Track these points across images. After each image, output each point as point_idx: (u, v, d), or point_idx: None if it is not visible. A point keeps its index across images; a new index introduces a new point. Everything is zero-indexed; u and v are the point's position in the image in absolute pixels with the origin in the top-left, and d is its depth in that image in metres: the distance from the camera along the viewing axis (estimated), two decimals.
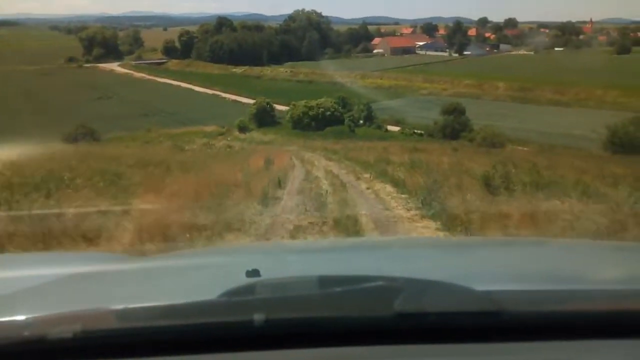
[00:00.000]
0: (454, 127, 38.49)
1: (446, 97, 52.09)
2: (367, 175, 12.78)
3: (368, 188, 10.28)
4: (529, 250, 1.80)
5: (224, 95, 54.97)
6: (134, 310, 1.02)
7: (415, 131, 40.24)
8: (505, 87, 59.60)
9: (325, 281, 1.06)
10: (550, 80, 59.45)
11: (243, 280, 1.12)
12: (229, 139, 39.33)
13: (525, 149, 36.36)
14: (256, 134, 41.03)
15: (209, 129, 42.39)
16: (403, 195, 8.75)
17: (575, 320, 1.01)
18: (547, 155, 28.89)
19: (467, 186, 8.98)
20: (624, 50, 77.24)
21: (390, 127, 42.06)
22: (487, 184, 8.06)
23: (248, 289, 1.04)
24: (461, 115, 39.60)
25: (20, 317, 1.01)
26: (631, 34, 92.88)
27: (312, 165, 17.06)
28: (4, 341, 0.96)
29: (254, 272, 1.16)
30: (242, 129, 41.78)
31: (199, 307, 1.01)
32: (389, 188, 9.91)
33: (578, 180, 10.07)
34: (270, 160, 14.00)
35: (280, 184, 9.88)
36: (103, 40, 73.70)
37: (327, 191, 9.41)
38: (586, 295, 1.08)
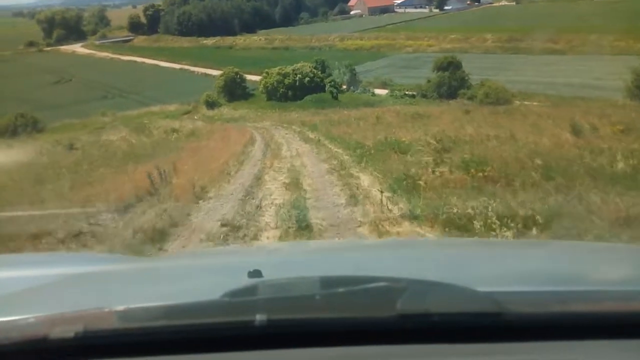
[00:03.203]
0: (450, 84, 31.46)
1: (433, 54, 45.13)
2: (366, 182, 5.74)
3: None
4: (531, 251, 1.69)
5: (192, 69, 47.23)
6: (136, 310, 0.96)
7: (406, 92, 33.19)
8: (494, 39, 52.74)
9: (327, 282, 0.99)
10: (539, 29, 52.43)
11: (245, 280, 1.05)
12: (196, 117, 32.31)
13: (535, 103, 29.76)
14: (226, 110, 33.72)
15: (173, 107, 35.11)
16: None
17: (578, 321, 0.95)
18: (572, 110, 22.17)
19: None
20: None
21: (377, 91, 34.83)
22: None
23: (250, 290, 0.98)
24: (457, 71, 32.35)
25: (22, 317, 0.96)
26: None
27: (274, 157, 9.97)
28: (5, 341, 0.91)
29: (256, 273, 1.09)
30: (210, 104, 34.36)
31: (201, 308, 0.96)
32: None
33: None
34: (154, 176, 6.64)
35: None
36: (63, 21, 64.19)
37: None
38: (588, 296, 1.01)
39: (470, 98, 30.31)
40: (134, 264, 1.80)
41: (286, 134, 16.95)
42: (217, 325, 0.91)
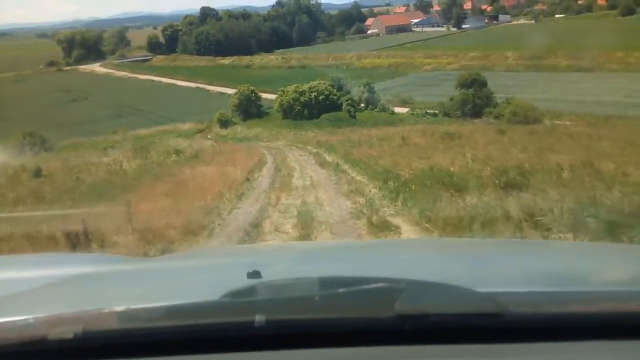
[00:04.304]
0: (475, 102, 29.13)
1: (452, 71, 43.06)
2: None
3: None
4: (530, 251, 1.62)
5: (208, 87, 45.93)
6: (135, 311, 0.95)
7: (428, 111, 30.92)
8: (515, 57, 50.48)
9: (326, 282, 0.98)
10: (561, 47, 49.91)
11: (244, 281, 1.02)
12: (209, 136, 30.60)
13: (567, 122, 27.25)
14: (240, 128, 31.88)
15: (186, 126, 33.45)
16: None
17: (578, 322, 0.93)
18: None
19: None
20: (628, 11, 67.46)
21: (396, 109, 32.70)
22: None
23: (249, 290, 0.97)
24: (482, 88, 30.03)
25: (21, 318, 0.94)
26: None
27: (283, 189, 7.80)
28: (4, 342, 0.90)
29: (255, 274, 1.07)
30: (224, 123, 32.54)
31: (200, 308, 0.95)
32: None
33: None
34: (81, 235, 4.41)
35: None
36: (83, 41, 63.66)
37: None
38: (588, 297, 0.99)
39: (497, 117, 28.08)
40: (134, 264, 1.75)
41: (300, 155, 14.85)
42: (216, 326, 0.90)
